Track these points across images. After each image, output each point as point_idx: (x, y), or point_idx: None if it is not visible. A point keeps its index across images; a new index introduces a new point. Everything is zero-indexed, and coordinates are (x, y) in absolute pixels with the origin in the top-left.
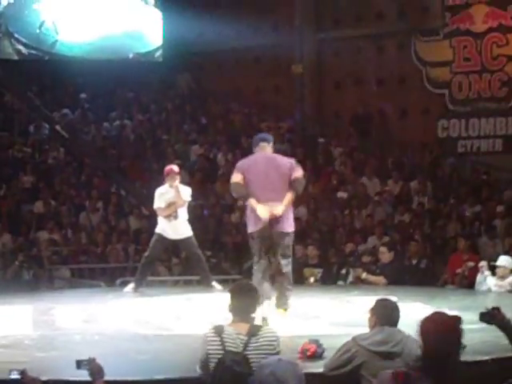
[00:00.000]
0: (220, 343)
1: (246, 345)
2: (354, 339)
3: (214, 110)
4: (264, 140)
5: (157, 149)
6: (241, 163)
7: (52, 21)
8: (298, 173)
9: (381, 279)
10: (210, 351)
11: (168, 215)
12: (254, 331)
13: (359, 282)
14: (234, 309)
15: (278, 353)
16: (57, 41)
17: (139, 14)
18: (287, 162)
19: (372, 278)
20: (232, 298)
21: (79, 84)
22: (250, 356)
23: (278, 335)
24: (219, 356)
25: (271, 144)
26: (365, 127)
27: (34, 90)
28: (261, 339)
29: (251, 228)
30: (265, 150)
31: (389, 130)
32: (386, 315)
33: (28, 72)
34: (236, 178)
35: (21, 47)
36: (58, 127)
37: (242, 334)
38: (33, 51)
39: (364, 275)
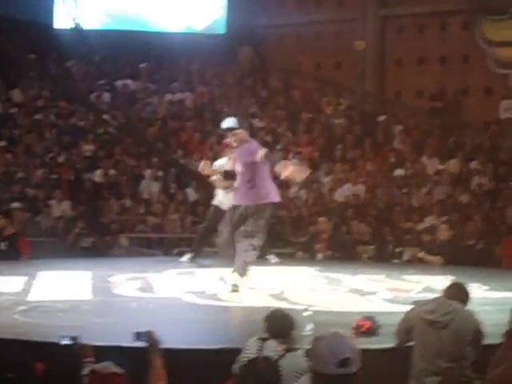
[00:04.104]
0: (259, 349)
1: (281, 356)
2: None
3: (275, 84)
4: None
5: (216, 121)
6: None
7: None
8: None
9: (438, 259)
10: (247, 354)
11: (226, 187)
12: (291, 349)
13: (415, 261)
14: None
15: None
16: (76, 19)
17: None
18: None
19: (429, 257)
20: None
21: (141, 55)
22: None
23: None
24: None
25: None
26: (440, 106)
27: (97, 59)
28: (297, 356)
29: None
30: None
31: (451, 109)
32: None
33: (90, 42)
34: None
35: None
36: (105, 117)
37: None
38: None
39: (421, 254)
